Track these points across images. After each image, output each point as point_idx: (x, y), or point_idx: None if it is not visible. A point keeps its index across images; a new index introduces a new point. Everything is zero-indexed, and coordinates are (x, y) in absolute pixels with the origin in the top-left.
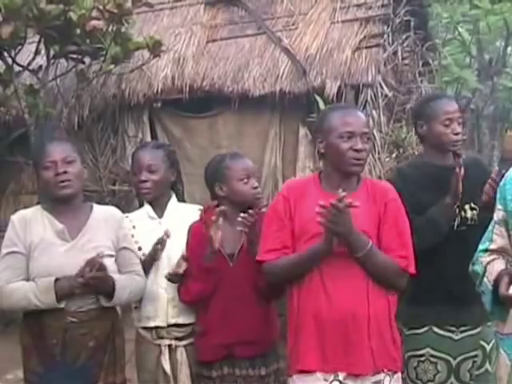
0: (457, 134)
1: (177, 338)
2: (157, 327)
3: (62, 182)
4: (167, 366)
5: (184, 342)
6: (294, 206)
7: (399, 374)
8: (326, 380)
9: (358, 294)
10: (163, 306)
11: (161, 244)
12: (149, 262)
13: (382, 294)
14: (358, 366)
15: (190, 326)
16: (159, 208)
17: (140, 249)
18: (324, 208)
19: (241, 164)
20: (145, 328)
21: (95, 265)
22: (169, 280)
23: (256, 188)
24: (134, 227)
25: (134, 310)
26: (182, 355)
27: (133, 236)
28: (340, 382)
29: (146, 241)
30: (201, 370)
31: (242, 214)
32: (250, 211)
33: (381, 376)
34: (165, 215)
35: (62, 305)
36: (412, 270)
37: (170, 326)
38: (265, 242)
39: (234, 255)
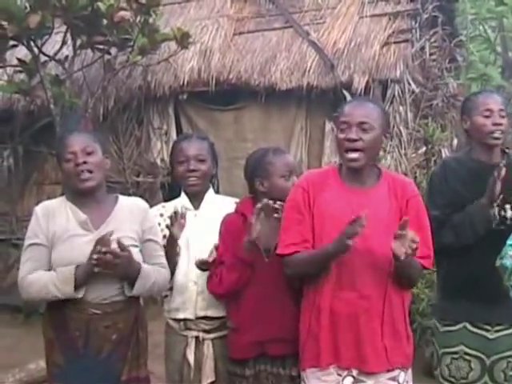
0: (496, 124)
1: (204, 331)
2: (185, 319)
3: (82, 172)
4: (191, 358)
5: (212, 335)
6: (314, 198)
7: (410, 370)
8: (339, 375)
9: (376, 292)
10: (192, 299)
11: (176, 222)
12: (169, 243)
13: (398, 291)
14: (372, 364)
15: (218, 319)
16: (196, 199)
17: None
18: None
19: (284, 160)
20: (173, 319)
21: (106, 241)
22: (197, 267)
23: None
24: (169, 217)
25: (164, 300)
26: (208, 348)
27: (167, 226)
28: (354, 377)
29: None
30: (234, 367)
31: (278, 202)
32: (278, 202)
33: (395, 372)
34: (201, 207)
35: (80, 294)
36: (431, 266)
37: (198, 318)
38: (284, 235)
39: (270, 251)
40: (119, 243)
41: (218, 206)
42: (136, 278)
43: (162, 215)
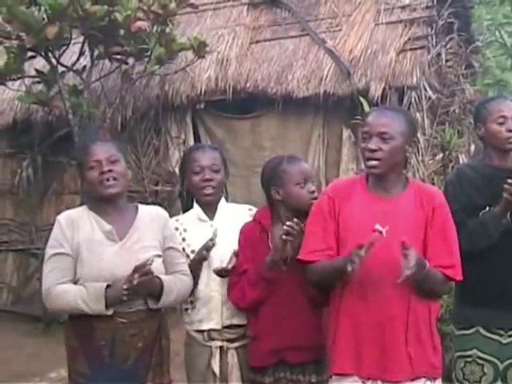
0: (511, 131)
1: (228, 340)
2: (210, 329)
3: (108, 180)
4: (217, 368)
5: (235, 344)
6: (339, 206)
7: (439, 381)
8: (363, 383)
9: (399, 300)
10: (217, 309)
11: (207, 249)
12: (197, 263)
13: (423, 301)
14: (394, 373)
15: (242, 327)
16: (210, 210)
17: (193, 251)
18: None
19: (298, 167)
20: (196, 330)
21: (144, 270)
22: (216, 274)
23: (313, 192)
24: (185, 230)
25: (184, 313)
26: (233, 357)
27: (184, 239)
28: None
29: (198, 244)
30: (253, 375)
31: (287, 223)
32: (295, 220)
33: (421, 381)
34: (216, 217)
35: (111, 312)
36: (459, 277)
37: (224, 327)
38: (308, 241)
39: (288, 259)
40: (147, 269)
41: (233, 214)
42: (158, 292)
43: (177, 229)
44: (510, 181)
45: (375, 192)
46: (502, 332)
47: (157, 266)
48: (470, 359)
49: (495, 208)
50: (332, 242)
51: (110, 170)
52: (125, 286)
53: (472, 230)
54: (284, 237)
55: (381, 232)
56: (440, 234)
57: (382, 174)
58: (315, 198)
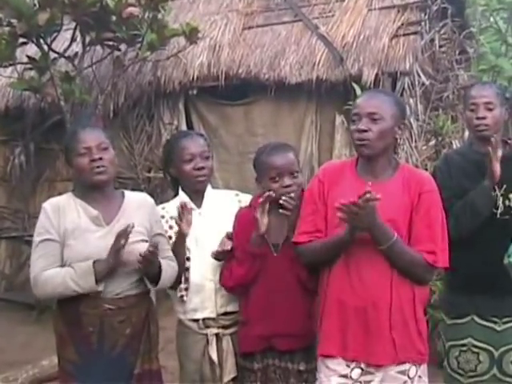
0: (479, 118)
1: (224, 327)
2: (204, 318)
3: (98, 167)
4: (214, 355)
5: (230, 330)
6: (328, 189)
7: (425, 366)
8: (347, 366)
9: (381, 283)
10: (211, 297)
11: (183, 218)
12: (179, 240)
13: (407, 284)
14: (378, 357)
15: (237, 313)
16: (197, 198)
17: None
18: (344, 205)
19: (273, 161)
20: (191, 319)
21: (126, 236)
22: (215, 258)
23: (287, 187)
24: (171, 218)
25: (178, 302)
26: (228, 344)
27: (171, 227)
28: (362, 369)
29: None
30: (243, 361)
31: (283, 197)
32: (292, 194)
33: (406, 366)
34: (203, 205)
35: (101, 288)
36: (441, 264)
37: (219, 315)
38: (300, 224)
39: (279, 245)
40: (152, 244)
41: (220, 201)
42: (156, 273)
43: (163, 217)
44: (493, 139)
45: (364, 176)
46: (496, 319)
47: (144, 251)
48: (464, 348)
49: (480, 184)
50: (321, 224)
51: (101, 158)
52: (151, 248)
53: (459, 209)
54: (280, 210)
55: None
56: (424, 220)
57: (372, 157)
58: (286, 193)
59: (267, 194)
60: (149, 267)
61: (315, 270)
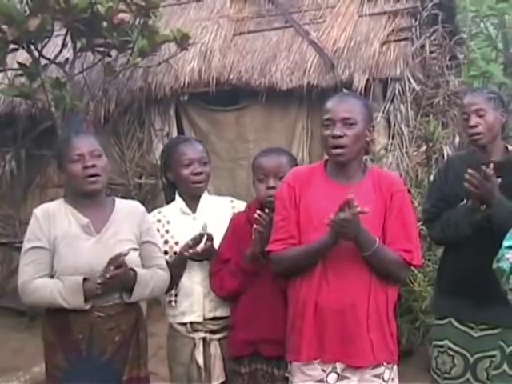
0: (471, 127)
1: (211, 331)
2: (192, 322)
3: (91, 176)
4: (201, 359)
5: (218, 336)
6: (299, 194)
7: (396, 367)
8: (323, 370)
9: (360, 286)
10: (199, 301)
11: (195, 242)
12: (182, 259)
13: (383, 287)
14: (357, 358)
15: (225, 319)
16: (193, 203)
17: (177, 243)
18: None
19: (260, 162)
20: (179, 323)
21: (118, 262)
22: (189, 259)
23: (271, 188)
24: (168, 222)
25: (167, 306)
26: (215, 348)
27: (167, 231)
28: (338, 374)
29: (181, 236)
30: (232, 364)
31: (257, 212)
32: (266, 210)
33: (381, 369)
34: (198, 210)
35: (88, 306)
36: (416, 262)
37: (206, 319)
38: (272, 231)
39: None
40: (120, 261)
41: (214, 207)
42: (133, 285)
43: (159, 221)
44: (470, 171)
45: (336, 179)
46: (473, 325)
47: (133, 260)
48: (442, 349)
49: (464, 204)
50: (294, 230)
51: (94, 165)
52: (98, 281)
53: (446, 219)
54: (254, 226)
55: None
56: (398, 220)
57: (346, 163)
58: (270, 196)
59: (255, 227)
60: (116, 286)
61: (288, 277)
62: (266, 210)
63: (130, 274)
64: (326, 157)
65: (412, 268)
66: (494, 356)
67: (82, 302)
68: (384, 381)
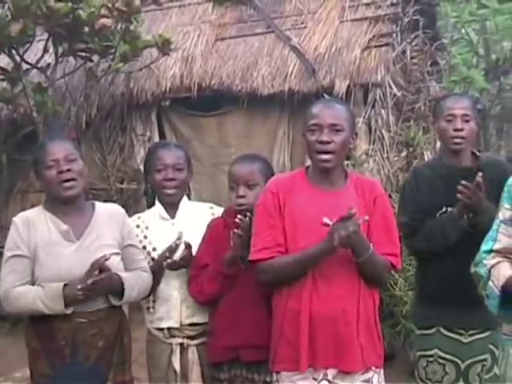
0: (457, 130)
1: (189, 337)
2: (169, 328)
3: (66, 181)
4: (177, 365)
5: (196, 341)
6: (284, 201)
7: (382, 370)
8: (314, 379)
9: (349, 290)
10: (176, 307)
11: (170, 251)
12: (160, 265)
13: (370, 290)
14: (349, 364)
15: (203, 325)
16: (172, 208)
17: (155, 249)
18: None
19: (231, 170)
20: (157, 328)
21: (99, 266)
22: (168, 268)
23: (240, 197)
24: (147, 228)
25: (146, 312)
26: (193, 354)
27: (146, 237)
28: (329, 381)
29: (160, 242)
30: (211, 370)
31: (239, 216)
32: (248, 214)
33: (370, 374)
34: (177, 216)
35: (69, 311)
36: (399, 266)
37: (183, 325)
38: (257, 240)
39: (245, 259)
40: (103, 266)
41: (194, 213)
42: (119, 289)
43: (138, 226)
44: (463, 183)
45: (320, 186)
46: (462, 331)
47: (115, 264)
48: (431, 359)
49: (452, 209)
50: (281, 238)
51: (69, 170)
52: (79, 286)
53: (429, 230)
54: (235, 230)
55: (329, 225)
56: (382, 224)
57: (332, 168)
58: (240, 204)
59: (236, 232)
60: (101, 291)
61: (276, 285)
62: (248, 214)
63: (115, 278)
64: (307, 163)
65: (393, 273)
66: (485, 360)
67: (63, 308)
68: None
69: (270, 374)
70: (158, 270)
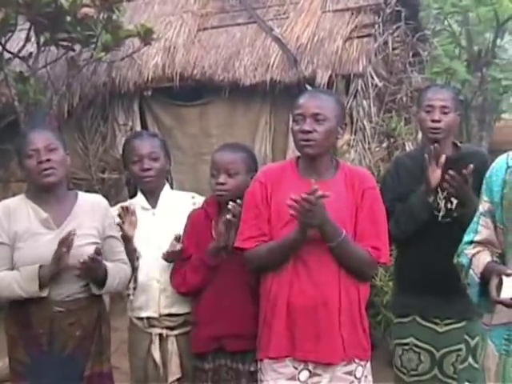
0: (434, 121)
1: (168, 328)
2: (148, 317)
3: (46, 169)
4: (157, 355)
5: (175, 332)
6: (271, 191)
7: (369, 363)
8: (295, 368)
9: (330, 282)
10: (155, 297)
11: (125, 220)
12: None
13: (353, 282)
14: (328, 355)
15: (183, 315)
16: (153, 198)
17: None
18: (296, 201)
19: (213, 157)
20: (137, 317)
21: (69, 242)
22: (165, 260)
23: (219, 184)
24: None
25: (127, 299)
26: (172, 345)
27: (119, 224)
28: (310, 371)
29: (140, 230)
30: (195, 361)
31: (231, 203)
32: (238, 201)
33: (352, 366)
34: (158, 205)
35: (45, 293)
36: (384, 260)
37: (162, 315)
38: (243, 229)
39: (229, 247)
40: (96, 249)
41: (175, 202)
42: (102, 278)
43: (120, 216)
44: (450, 172)
45: (308, 176)
46: (437, 321)
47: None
48: (407, 347)
49: (418, 189)
50: (265, 227)
51: (48, 160)
52: (79, 262)
53: (398, 213)
54: (228, 216)
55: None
56: (369, 216)
57: (316, 157)
58: (218, 191)
59: (231, 205)
60: (90, 273)
61: (263, 272)
62: (238, 201)
63: (103, 266)
64: (289, 153)
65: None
66: (459, 350)
67: (37, 289)
68: (356, 378)
69: (255, 364)
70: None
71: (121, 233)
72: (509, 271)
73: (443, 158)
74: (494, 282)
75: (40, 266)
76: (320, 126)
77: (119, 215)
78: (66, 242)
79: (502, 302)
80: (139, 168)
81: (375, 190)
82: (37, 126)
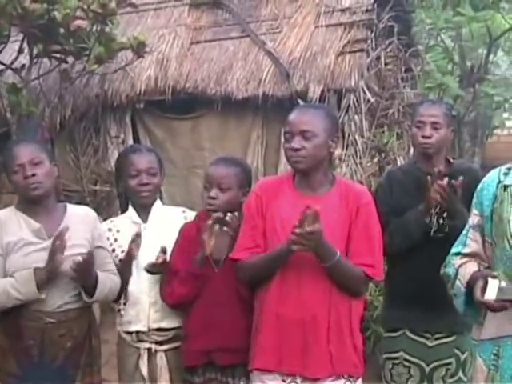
0: (425, 137)
1: (157, 342)
2: (138, 331)
3: (32, 183)
4: (145, 370)
5: (165, 347)
6: (267, 204)
7: (360, 380)
8: (283, 381)
9: (321, 297)
10: (145, 311)
11: (135, 242)
12: (126, 261)
13: (344, 298)
14: (314, 370)
15: (172, 330)
16: (144, 212)
17: (123, 252)
18: (297, 235)
19: (208, 171)
20: (126, 332)
21: (62, 237)
22: (147, 271)
23: (210, 198)
24: (118, 231)
25: (117, 314)
26: (161, 360)
27: (116, 240)
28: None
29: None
30: (185, 375)
31: (229, 214)
32: (236, 213)
33: (341, 381)
34: (149, 220)
35: (43, 295)
36: (378, 277)
37: (151, 330)
38: (240, 239)
39: (220, 261)
40: (88, 252)
41: (166, 217)
42: (92, 285)
43: (110, 230)
44: (439, 182)
45: (302, 191)
46: (428, 335)
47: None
48: (397, 361)
49: (416, 207)
50: (260, 240)
51: (34, 174)
52: (76, 261)
53: (393, 229)
54: (225, 228)
55: None
56: (363, 233)
57: (307, 172)
58: (209, 205)
59: (216, 215)
60: (84, 276)
61: (255, 284)
62: (236, 213)
63: (94, 272)
64: (280, 166)
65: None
66: (449, 364)
67: (36, 290)
68: None
69: (245, 378)
70: (124, 268)
71: (116, 248)
72: (494, 273)
73: (445, 181)
74: (479, 284)
75: (35, 269)
76: (308, 142)
77: (133, 238)
78: (59, 238)
79: (485, 303)
80: (137, 183)
81: (370, 206)
82: (22, 140)
